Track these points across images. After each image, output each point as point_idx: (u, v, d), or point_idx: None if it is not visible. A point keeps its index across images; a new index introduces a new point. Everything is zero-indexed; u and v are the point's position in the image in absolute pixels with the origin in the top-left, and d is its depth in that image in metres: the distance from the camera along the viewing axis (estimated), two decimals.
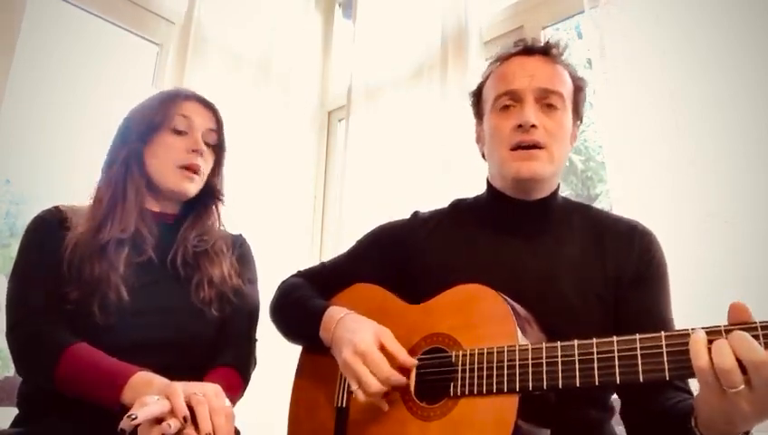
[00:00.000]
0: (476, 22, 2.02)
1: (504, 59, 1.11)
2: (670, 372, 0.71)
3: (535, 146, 1.01)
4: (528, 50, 1.09)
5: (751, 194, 1.31)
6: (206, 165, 1.22)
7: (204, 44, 2.21)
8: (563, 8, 1.89)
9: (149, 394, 0.89)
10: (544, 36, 1.94)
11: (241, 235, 1.32)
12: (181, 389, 0.88)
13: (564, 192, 1.15)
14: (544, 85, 1.04)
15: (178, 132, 1.19)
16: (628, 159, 1.49)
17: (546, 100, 1.04)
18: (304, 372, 1.17)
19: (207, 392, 0.89)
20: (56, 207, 1.16)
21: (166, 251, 1.17)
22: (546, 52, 1.08)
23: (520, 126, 1.01)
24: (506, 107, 1.06)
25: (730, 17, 1.40)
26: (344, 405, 1.04)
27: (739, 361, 0.65)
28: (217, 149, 1.26)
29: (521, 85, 1.04)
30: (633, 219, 1.10)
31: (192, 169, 1.18)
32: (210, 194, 1.26)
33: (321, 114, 2.64)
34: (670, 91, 1.45)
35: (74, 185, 1.22)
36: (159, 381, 0.93)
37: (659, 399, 0.91)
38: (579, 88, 1.10)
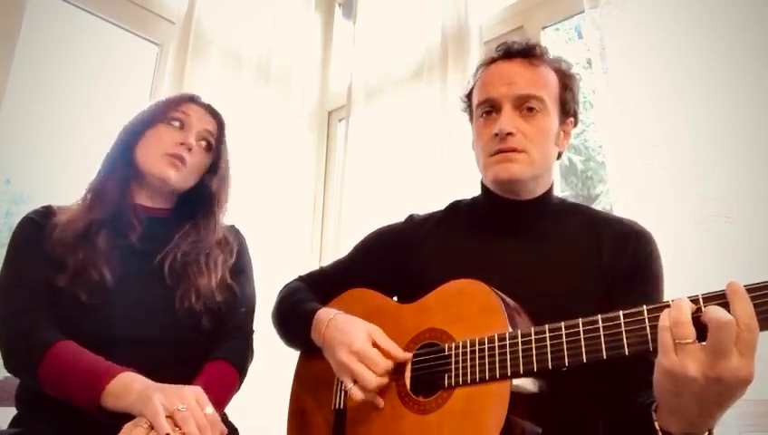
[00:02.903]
0: (476, 22, 2.02)
1: (487, 64, 1.12)
2: (653, 344, 0.72)
3: (513, 150, 1.03)
4: (508, 53, 1.09)
5: (751, 194, 1.31)
6: (194, 162, 1.20)
7: (204, 44, 2.21)
8: (563, 8, 1.89)
9: (128, 401, 0.89)
10: (544, 36, 1.94)
11: (234, 226, 1.32)
12: (160, 404, 0.87)
13: (564, 192, 1.15)
14: (522, 92, 1.05)
15: (174, 126, 1.20)
16: (628, 159, 1.49)
17: (526, 104, 1.05)
18: (302, 378, 1.17)
19: (190, 405, 0.88)
20: (46, 207, 1.17)
21: (153, 247, 1.16)
22: (526, 54, 1.08)
23: (497, 134, 1.03)
24: (487, 114, 1.08)
25: (730, 17, 1.40)
26: (342, 407, 1.04)
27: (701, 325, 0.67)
28: (214, 153, 1.26)
29: (498, 93, 1.06)
30: (629, 219, 1.10)
31: (177, 158, 1.18)
32: (207, 198, 1.25)
33: (321, 114, 2.64)
34: (670, 91, 1.45)
35: (74, 185, 1.22)
36: (139, 386, 0.92)
37: (640, 400, 0.90)
38: (566, 85, 1.10)
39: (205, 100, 1.29)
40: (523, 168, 1.03)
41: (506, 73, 1.07)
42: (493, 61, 1.12)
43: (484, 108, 1.08)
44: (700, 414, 0.70)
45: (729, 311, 0.66)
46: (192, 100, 1.26)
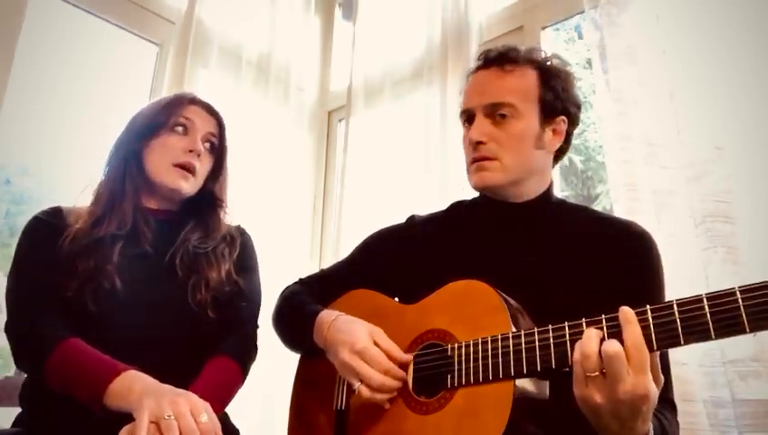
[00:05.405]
0: (476, 22, 2.02)
1: (472, 73, 1.15)
2: (657, 343, 0.75)
3: (485, 159, 1.06)
4: (486, 62, 1.12)
5: (751, 194, 1.31)
6: (202, 167, 1.23)
7: (204, 44, 2.21)
8: (563, 8, 1.89)
9: (128, 402, 0.89)
10: (544, 36, 1.94)
11: (240, 225, 1.33)
12: (148, 415, 0.85)
13: (564, 192, 1.16)
14: (492, 100, 1.07)
15: (178, 133, 1.21)
16: (627, 160, 1.49)
17: (497, 112, 1.07)
18: (303, 379, 1.18)
19: (181, 412, 0.85)
20: (55, 207, 1.18)
21: (163, 248, 1.17)
22: (500, 61, 1.09)
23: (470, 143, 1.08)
24: (466, 123, 1.12)
25: (730, 17, 1.40)
26: (343, 407, 1.04)
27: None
28: (216, 154, 1.27)
29: (471, 103, 1.10)
30: (629, 220, 1.10)
31: (187, 168, 1.19)
32: (210, 200, 1.27)
33: (321, 114, 2.64)
34: (670, 91, 1.45)
35: (74, 185, 1.22)
36: (139, 387, 0.92)
37: None
38: (548, 84, 1.08)
39: (203, 98, 1.29)
40: (494, 175, 1.06)
41: (480, 82, 1.11)
42: (476, 69, 1.14)
43: (463, 118, 1.13)
44: (623, 428, 0.76)
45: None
46: (192, 102, 1.26)
